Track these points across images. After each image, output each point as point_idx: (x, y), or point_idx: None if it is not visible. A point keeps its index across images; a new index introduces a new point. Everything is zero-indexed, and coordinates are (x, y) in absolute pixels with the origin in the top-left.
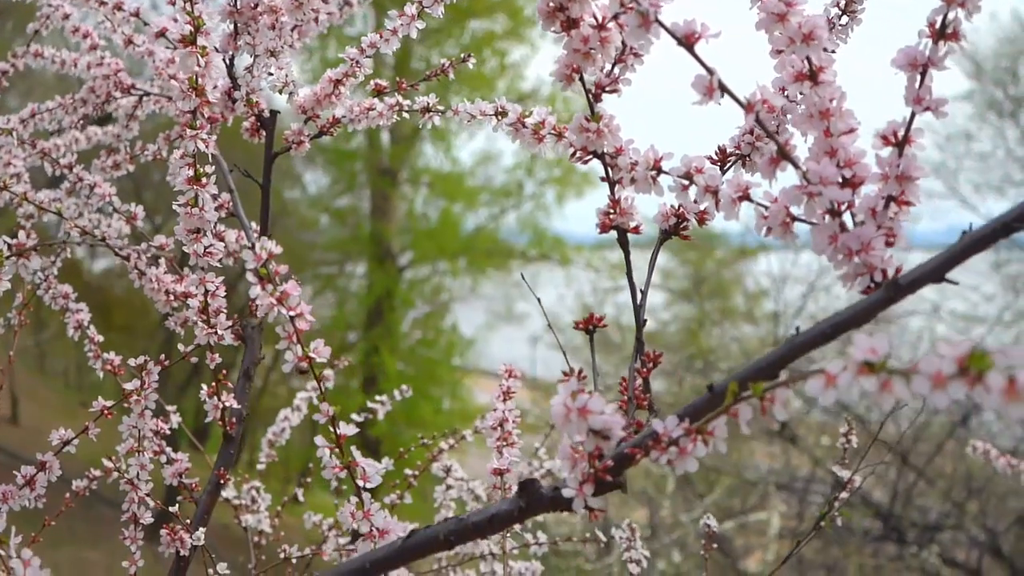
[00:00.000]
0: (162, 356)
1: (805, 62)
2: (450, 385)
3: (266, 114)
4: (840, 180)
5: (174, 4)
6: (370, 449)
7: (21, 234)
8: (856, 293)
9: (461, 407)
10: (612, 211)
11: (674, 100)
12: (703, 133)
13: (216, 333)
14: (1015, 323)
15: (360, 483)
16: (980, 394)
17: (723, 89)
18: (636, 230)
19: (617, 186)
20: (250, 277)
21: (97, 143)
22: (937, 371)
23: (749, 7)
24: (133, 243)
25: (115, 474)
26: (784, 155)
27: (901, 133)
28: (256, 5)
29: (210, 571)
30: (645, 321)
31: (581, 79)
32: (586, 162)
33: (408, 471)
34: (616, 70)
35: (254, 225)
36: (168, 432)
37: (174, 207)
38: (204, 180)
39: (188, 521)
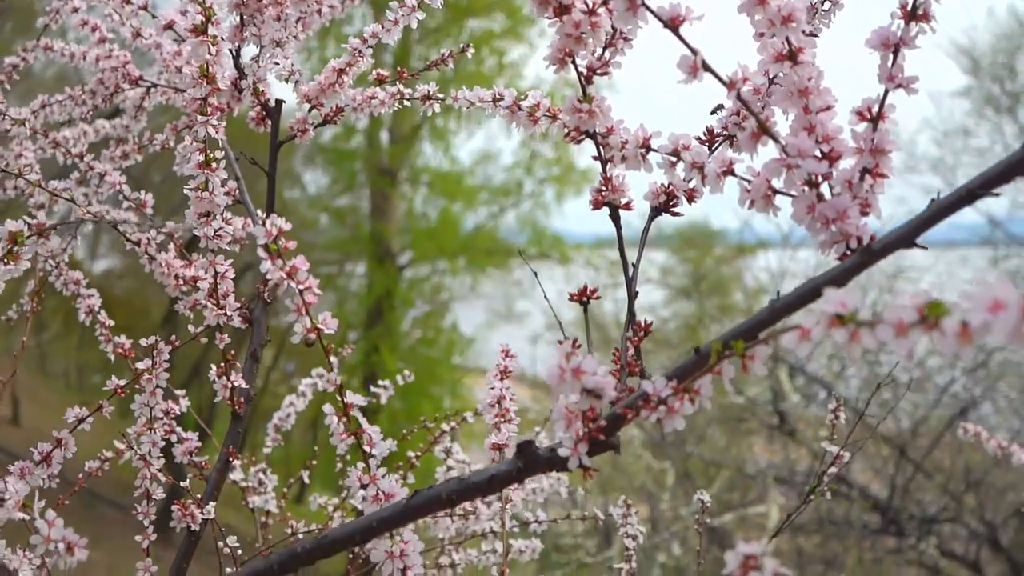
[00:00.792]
0: (172, 336)
1: (785, 43)
2: (450, 384)
3: (271, 104)
4: (818, 154)
5: None
6: None
7: (40, 214)
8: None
9: (461, 406)
10: (604, 188)
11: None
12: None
13: (226, 314)
14: None
15: (367, 449)
16: (937, 339)
17: (706, 68)
18: (627, 206)
19: (609, 164)
20: (260, 252)
21: (105, 135)
22: (899, 320)
23: None
24: (143, 230)
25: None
26: (764, 130)
27: (875, 109)
28: None
29: (220, 544)
30: (636, 293)
31: (574, 62)
32: (579, 142)
33: (411, 452)
34: (607, 54)
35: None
36: (179, 413)
37: (185, 191)
38: (214, 165)
39: (199, 496)
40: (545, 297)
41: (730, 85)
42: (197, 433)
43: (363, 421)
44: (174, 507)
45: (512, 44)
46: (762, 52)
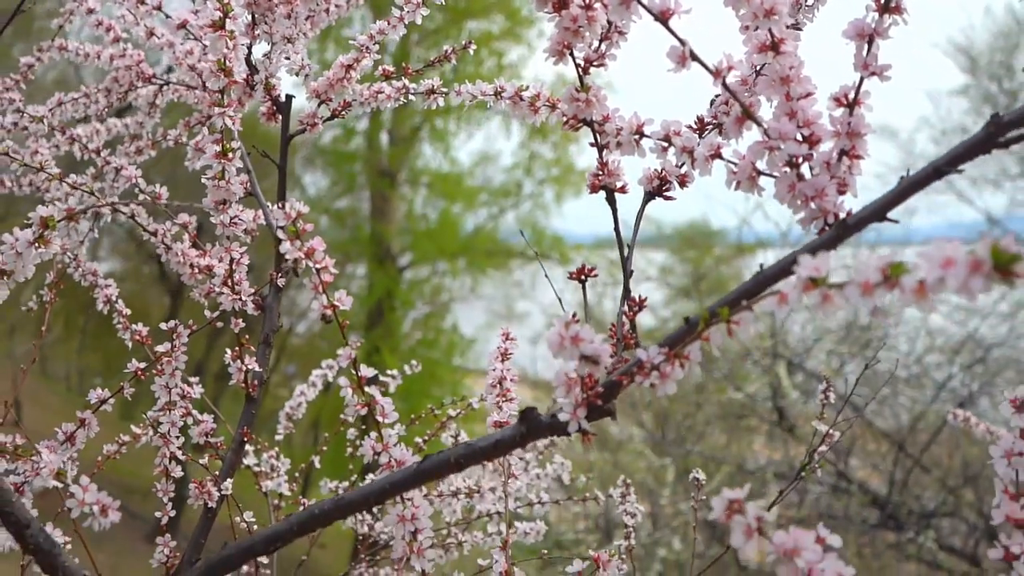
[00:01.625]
0: (190, 321)
1: (768, 35)
2: (451, 385)
3: (282, 99)
4: (799, 137)
5: None
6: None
7: (71, 199)
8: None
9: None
10: (600, 172)
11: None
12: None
13: (240, 299)
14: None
15: (379, 419)
16: (898, 295)
17: (694, 58)
18: (623, 189)
19: (605, 150)
20: (280, 234)
21: (116, 133)
22: (866, 280)
23: None
24: (158, 221)
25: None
26: (748, 115)
27: (851, 96)
28: None
29: (237, 519)
30: (631, 272)
31: (572, 55)
32: (577, 129)
33: (418, 438)
34: (603, 46)
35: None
36: (195, 396)
37: (203, 180)
38: (230, 155)
39: (216, 474)
40: (560, 301)
41: (716, 73)
42: (212, 416)
43: (376, 393)
44: (191, 485)
45: (511, 45)
46: (747, 44)
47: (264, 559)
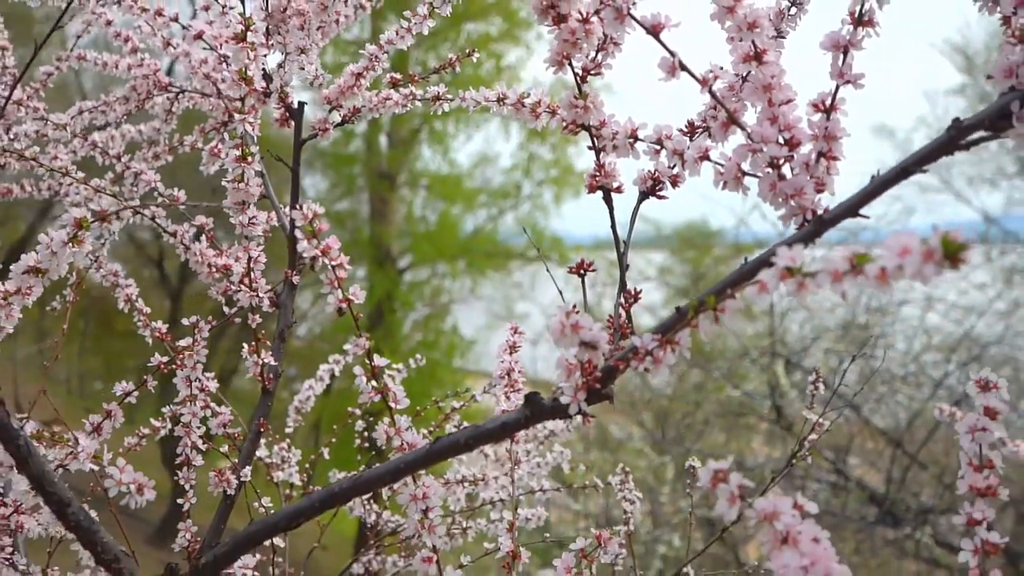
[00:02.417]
0: (209, 318)
1: (751, 46)
2: (451, 386)
3: (295, 105)
4: (780, 140)
5: (208, 9)
6: (374, 448)
7: (104, 200)
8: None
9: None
10: (598, 174)
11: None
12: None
13: (258, 296)
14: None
15: (392, 405)
16: (863, 281)
17: (683, 68)
18: (619, 190)
19: (602, 153)
20: (298, 233)
21: (130, 139)
22: (835, 269)
23: (710, 1)
24: (176, 222)
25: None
26: (732, 120)
27: (828, 102)
28: (285, 9)
29: (255, 504)
30: (628, 266)
31: (570, 64)
32: (575, 133)
33: (423, 430)
34: (599, 56)
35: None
36: (214, 389)
37: (223, 183)
38: (250, 159)
39: (235, 462)
40: (560, 294)
41: (703, 82)
42: (229, 408)
43: (389, 380)
44: (211, 474)
45: (509, 47)
46: (732, 53)
47: (280, 542)
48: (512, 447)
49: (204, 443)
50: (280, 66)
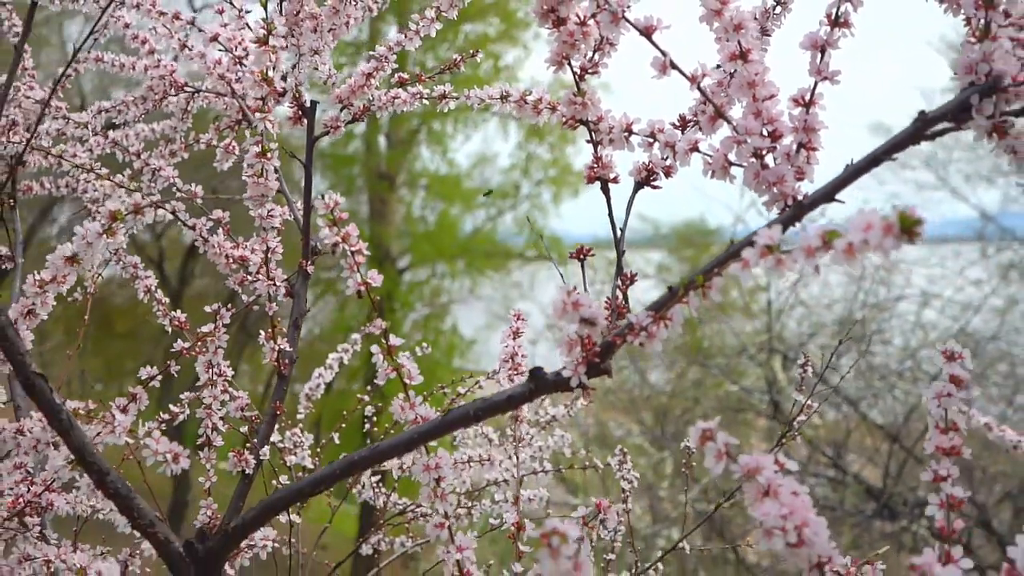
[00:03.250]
0: (229, 305)
1: (737, 46)
2: (452, 386)
3: (307, 104)
4: (764, 133)
5: (222, 12)
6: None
7: (136, 196)
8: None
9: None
10: (595, 165)
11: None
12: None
13: (275, 284)
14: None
15: (407, 381)
16: (833, 255)
17: (673, 67)
18: (615, 180)
19: (599, 146)
20: (319, 221)
21: (145, 138)
22: (808, 245)
23: (699, 4)
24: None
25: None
26: (719, 114)
27: (808, 97)
28: (298, 12)
29: (274, 482)
30: (624, 251)
31: (569, 64)
32: (574, 128)
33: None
34: (596, 56)
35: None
36: (231, 375)
37: (243, 178)
38: (269, 155)
39: (254, 441)
40: (559, 272)
41: (692, 79)
42: (246, 392)
43: (404, 359)
44: (231, 454)
45: (507, 48)
46: (720, 52)
47: (296, 518)
48: (517, 428)
49: (224, 424)
50: (294, 67)
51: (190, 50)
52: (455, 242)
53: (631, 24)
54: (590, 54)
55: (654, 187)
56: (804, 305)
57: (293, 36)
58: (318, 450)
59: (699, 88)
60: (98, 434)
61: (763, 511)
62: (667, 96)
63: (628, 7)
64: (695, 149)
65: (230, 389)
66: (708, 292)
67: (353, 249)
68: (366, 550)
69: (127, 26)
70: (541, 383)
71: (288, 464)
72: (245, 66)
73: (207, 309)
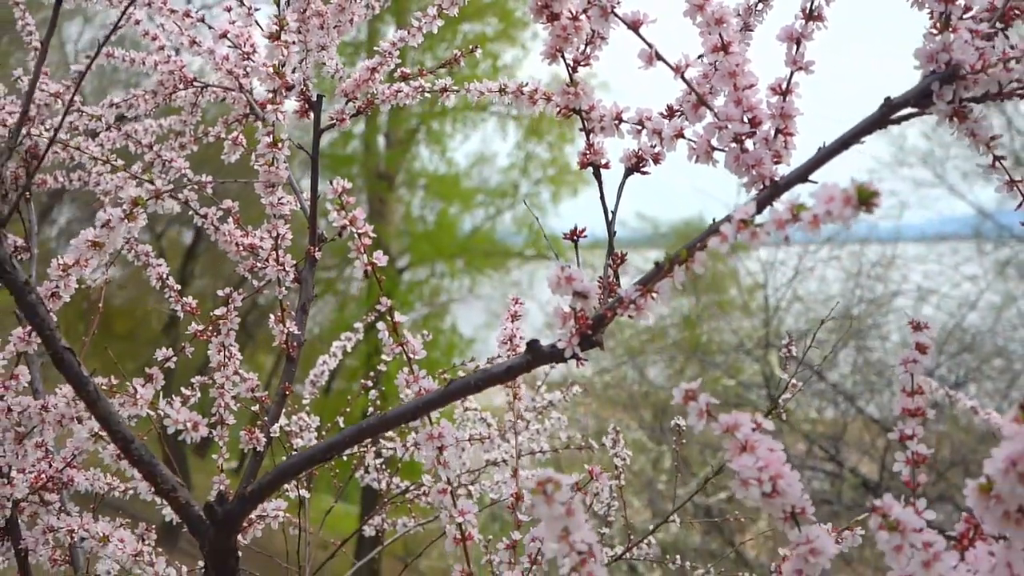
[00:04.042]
0: (240, 290)
1: (719, 38)
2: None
3: (314, 98)
4: (743, 119)
5: (230, 11)
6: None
7: (158, 181)
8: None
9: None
10: (588, 152)
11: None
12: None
13: (284, 270)
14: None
15: (411, 356)
16: (802, 226)
17: (659, 58)
18: (606, 166)
19: (591, 134)
20: (329, 206)
21: (154, 132)
22: (779, 218)
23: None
24: (204, 205)
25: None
26: (702, 102)
27: (784, 86)
28: (305, 10)
29: (283, 458)
30: (615, 233)
31: (563, 56)
32: (568, 117)
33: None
34: (588, 49)
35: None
36: (240, 359)
37: (254, 167)
38: (280, 144)
39: (265, 420)
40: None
41: (676, 69)
42: (257, 374)
43: (408, 335)
44: (242, 432)
45: (505, 47)
46: (703, 44)
47: (305, 493)
48: (516, 404)
49: (236, 404)
50: (302, 61)
51: (199, 46)
52: (454, 241)
53: (619, 18)
54: (582, 47)
55: (643, 173)
56: (801, 301)
57: (300, 33)
58: (323, 434)
59: (683, 78)
60: (122, 405)
61: (740, 463)
62: (661, 93)
63: (618, 3)
64: (680, 135)
65: (240, 371)
66: (692, 266)
67: (360, 232)
68: (369, 531)
69: (138, 23)
70: (538, 354)
71: (295, 447)
72: (253, 61)
73: (219, 293)
